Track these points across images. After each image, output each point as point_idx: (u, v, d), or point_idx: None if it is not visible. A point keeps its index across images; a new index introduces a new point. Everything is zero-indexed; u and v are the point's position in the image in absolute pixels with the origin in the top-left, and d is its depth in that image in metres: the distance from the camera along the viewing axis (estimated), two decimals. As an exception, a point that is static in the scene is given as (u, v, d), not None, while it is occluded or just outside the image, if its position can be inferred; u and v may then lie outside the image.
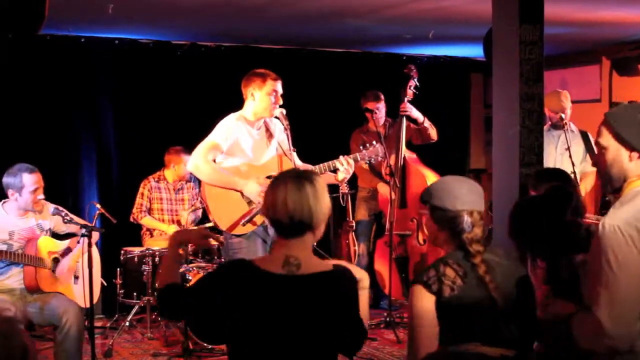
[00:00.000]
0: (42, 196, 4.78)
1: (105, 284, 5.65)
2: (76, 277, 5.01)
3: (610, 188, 2.63)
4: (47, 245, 4.83)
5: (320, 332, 2.59)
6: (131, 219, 6.73)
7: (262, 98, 4.70)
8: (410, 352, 2.73)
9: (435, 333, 2.67)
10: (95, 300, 4.94)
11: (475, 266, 2.69)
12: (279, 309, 2.54)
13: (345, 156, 4.82)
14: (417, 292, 2.69)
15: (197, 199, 6.66)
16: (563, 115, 5.81)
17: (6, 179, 4.72)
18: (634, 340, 2.45)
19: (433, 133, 6.49)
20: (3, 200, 4.83)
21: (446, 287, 2.65)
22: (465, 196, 2.76)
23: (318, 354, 2.60)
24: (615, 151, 2.56)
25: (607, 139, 2.57)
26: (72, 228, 5.00)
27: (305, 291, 2.56)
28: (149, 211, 6.74)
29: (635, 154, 2.53)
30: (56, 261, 4.85)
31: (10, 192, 4.73)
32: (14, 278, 4.76)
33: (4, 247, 4.67)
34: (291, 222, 2.58)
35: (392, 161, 6.19)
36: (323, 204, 2.66)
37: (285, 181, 2.62)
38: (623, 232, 2.41)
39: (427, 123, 6.43)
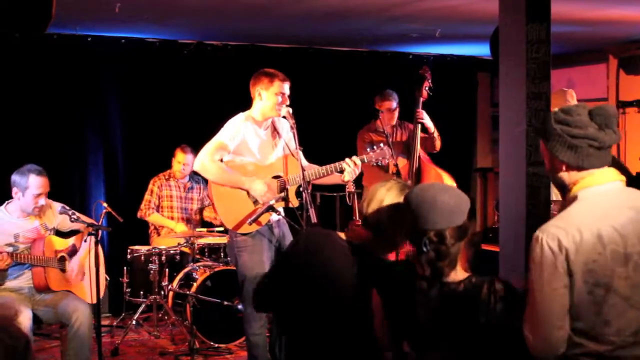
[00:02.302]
0: (43, 201, 4.77)
1: (109, 278, 5.65)
2: (82, 274, 5.02)
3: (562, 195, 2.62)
4: (54, 245, 4.84)
5: None
6: (138, 215, 6.74)
7: (269, 98, 4.70)
8: None
9: None
10: (101, 293, 4.95)
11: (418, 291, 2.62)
12: None
13: (352, 157, 4.81)
14: None
15: (206, 194, 6.68)
16: (570, 114, 5.79)
17: (14, 177, 4.74)
18: (555, 351, 2.45)
19: (438, 144, 6.48)
20: (6, 202, 4.82)
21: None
22: (431, 214, 2.56)
23: None
24: (549, 162, 2.58)
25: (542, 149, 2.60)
26: (76, 225, 5.00)
27: None
28: (158, 209, 6.75)
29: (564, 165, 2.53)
30: (63, 259, 4.86)
31: (14, 190, 4.73)
32: (23, 277, 4.77)
33: (9, 250, 4.68)
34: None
35: (399, 163, 6.17)
36: None
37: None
38: (544, 244, 2.42)
39: (436, 134, 6.42)
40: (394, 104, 6.56)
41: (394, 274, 2.76)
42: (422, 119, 6.27)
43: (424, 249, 2.55)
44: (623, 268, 2.41)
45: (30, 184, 4.70)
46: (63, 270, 4.85)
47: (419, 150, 6.30)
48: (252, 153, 4.73)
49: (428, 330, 2.58)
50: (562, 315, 2.42)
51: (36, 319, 4.68)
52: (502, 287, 2.54)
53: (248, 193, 4.65)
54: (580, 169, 2.50)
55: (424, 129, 6.41)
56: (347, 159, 4.75)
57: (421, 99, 6.28)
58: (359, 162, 4.77)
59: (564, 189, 2.57)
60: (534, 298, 2.45)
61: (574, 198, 2.51)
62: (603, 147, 2.47)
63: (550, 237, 2.42)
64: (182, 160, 6.70)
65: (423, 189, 2.63)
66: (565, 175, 2.54)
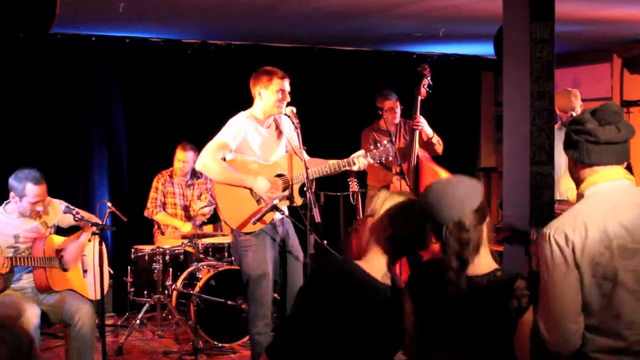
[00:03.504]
0: (40, 208, 4.73)
1: (112, 271, 5.63)
2: (85, 271, 5.01)
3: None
4: (55, 244, 4.82)
5: None
6: (145, 214, 6.75)
7: (269, 96, 4.69)
8: None
9: None
10: (105, 290, 4.94)
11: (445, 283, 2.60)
12: None
13: (357, 154, 4.81)
14: None
15: (208, 193, 6.68)
16: (574, 114, 5.79)
17: (11, 181, 4.69)
18: (572, 345, 2.48)
19: (439, 148, 6.47)
20: (5, 202, 4.79)
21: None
22: (447, 206, 2.58)
23: None
24: (567, 160, 2.65)
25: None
26: (74, 222, 4.97)
27: None
28: (163, 206, 6.75)
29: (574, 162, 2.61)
30: (62, 257, 4.86)
31: (12, 194, 4.72)
32: (25, 279, 4.77)
33: (11, 251, 4.67)
34: None
35: (404, 166, 6.17)
36: None
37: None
38: (552, 239, 2.47)
39: (435, 139, 6.40)
40: (394, 103, 6.57)
41: (426, 273, 2.76)
42: (419, 126, 6.23)
43: (447, 242, 2.57)
44: (630, 262, 2.45)
45: (27, 192, 4.66)
46: (65, 270, 4.85)
47: (417, 149, 6.30)
48: (253, 151, 4.73)
49: (455, 325, 2.58)
50: (577, 309, 2.47)
51: (43, 317, 4.67)
52: (524, 285, 2.54)
53: (251, 192, 4.65)
54: (584, 165, 2.56)
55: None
56: (352, 156, 4.76)
57: (420, 97, 6.27)
58: (363, 161, 4.78)
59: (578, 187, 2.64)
60: (548, 295, 2.48)
61: (581, 195, 2.57)
62: (599, 142, 2.52)
63: (557, 233, 2.47)
64: (181, 158, 6.70)
65: (431, 186, 2.63)
66: (576, 173, 2.61)
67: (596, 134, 2.52)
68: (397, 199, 2.75)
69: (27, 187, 4.64)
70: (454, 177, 2.67)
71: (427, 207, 2.59)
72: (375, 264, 2.72)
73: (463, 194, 2.57)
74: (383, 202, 2.76)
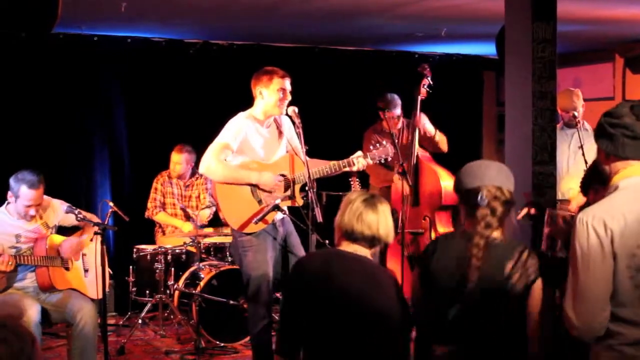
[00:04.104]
0: (33, 212, 4.71)
1: (111, 272, 5.64)
2: (86, 270, 5.02)
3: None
4: (56, 243, 4.83)
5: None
6: (146, 215, 6.76)
7: (270, 95, 4.69)
8: None
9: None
10: (106, 288, 4.94)
11: (469, 245, 2.75)
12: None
13: (356, 155, 4.81)
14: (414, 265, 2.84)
15: (208, 194, 6.68)
16: (576, 114, 5.79)
17: (10, 181, 4.69)
18: (597, 332, 2.50)
19: (444, 146, 6.45)
20: (6, 202, 4.78)
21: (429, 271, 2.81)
22: (481, 174, 2.83)
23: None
24: (598, 153, 2.68)
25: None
26: (76, 222, 4.97)
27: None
28: (163, 206, 6.76)
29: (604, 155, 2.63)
30: (59, 252, 4.86)
31: (9, 193, 4.72)
32: (27, 278, 4.77)
33: (12, 251, 4.67)
34: (373, 239, 3.02)
35: (406, 166, 6.16)
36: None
37: (371, 204, 3.06)
38: (589, 226, 2.47)
39: (438, 137, 6.39)
40: (398, 111, 6.56)
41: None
42: (418, 124, 6.23)
43: (480, 203, 2.77)
44: None
45: (21, 195, 4.65)
46: (67, 269, 4.86)
47: (417, 149, 6.30)
48: (254, 151, 4.72)
49: (477, 293, 2.74)
50: (607, 298, 2.48)
51: (44, 317, 4.68)
52: (536, 259, 2.78)
53: (252, 193, 4.65)
54: (618, 157, 2.57)
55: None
56: (351, 157, 4.76)
57: (420, 97, 6.26)
58: (363, 162, 4.78)
59: (606, 180, 2.65)
60: (578, 280, 2.49)
61: (615, 187, 2.57)
62: (636, 137, 2.53)
63: (595, 220, 2.47)
64: (174, 160, 6.72)
65: (469, 163, 2.92)
66: (607, 166, 2.62)
67: (634, 128, 2.53)
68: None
69: (22, 190, 4.64)
70: (495, 162, 2.97)
71: (467, 171, 2.85)
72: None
73: (506, 171, 2.87)
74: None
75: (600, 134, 2.61)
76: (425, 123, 6.27)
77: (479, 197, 2.77)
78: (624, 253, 2.45)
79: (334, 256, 3.06)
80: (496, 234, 2.79)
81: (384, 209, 3.07)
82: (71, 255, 4.89)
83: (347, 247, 3.04)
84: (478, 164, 2.89)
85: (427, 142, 6.49)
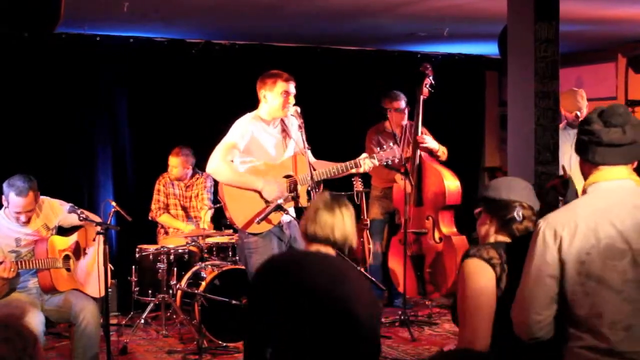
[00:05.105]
0: (23, 218, 4.68)
1: (113, 268, 5.66)
2: (88, 271, 5.01)
3: None
4: (57, 245, 4.81)
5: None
6: (149, 217, 6.76)
7: (274, 98, 4.72)
8: (463, 336, 2.73)
9: (492, 315, 2.69)
10: (108, 287, 4.94)
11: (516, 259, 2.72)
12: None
13: (363, 157, 4.82)
14: (478, 267, 2.71)
15: (208, 191, 6.69)
16: (579, 114, 5.79)
17: (4, 185, 4.67)
18: (533, 334, 2.56)
19: (444, 157, 6.47)
20: (4, 206, 4.75)
21: (501, 280, 2.70)
22: (519, 190, 2.84)
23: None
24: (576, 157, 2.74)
25: None
26: (78, 222, 4.95)
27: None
28: (167, 207, 6.77)
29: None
30: (68, 258, 4.86)
31: (3, 197, 4.71)
32: (30, 280, 4.77)
33: (13, 255, 4.66)
34: (328, 241, 3.00)
35: (408, 166, 6.17)
36: (354, 228, 3.11)
37: (329, 206, 3.06)
38: (540, 232, 2.54)
39: (440, 152, 6.40)
40: (403, 104, 6.57)
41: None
42: (424, 143, 6.25)
43: (517, 218, 2.77)
44: (618, 262, 2.48)
45: (10, 202, 4.63)
46: (68, 270, 4.85)
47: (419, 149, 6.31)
48: (264, 150, 4.74)
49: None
50: (544, 304, 2.53)
51: (46, 321, 4.67)
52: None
53: (260, 193, 4.66)
54: (590, 164, 2.61)
55: (429, 151, 6.38)
56: (358, 159, 4.77)
57: (422, 97, 6.27)
58: (369, 163, 4.79)
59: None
60: (523, 281, 2.58)
61: (584, 192, 2.63)
62: (602, 143, 2.56)
63: (548, 226, 2.53)
64: (171, 163, 6.73)
65: (505, 177, 3.02)
66: (583, 171, 2.68)
67: (600, 135, 2.56)
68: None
69: (10, 197, 4.61)
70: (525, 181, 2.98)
71: (503, 184, 2.86)
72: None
73: (535, 195, 2.89)
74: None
75: (577, 141, 2.67)
76: (428, 142, 6.28)
77: (516, 213, 2.77)
78: (573, 260, 2.49)
79: (298, 257, 3.08)
80: None
81: (343, 212, 3.05)
82: (87, 275, 4.91)
83: (310, 247, 3.04)
84: (516, 180, 2.92)
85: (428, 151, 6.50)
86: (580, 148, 2.64)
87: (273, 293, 2.89)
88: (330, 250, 3.03)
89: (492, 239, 2.83)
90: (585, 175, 2.64)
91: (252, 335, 2.99)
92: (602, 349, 2.48)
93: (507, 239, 2.79)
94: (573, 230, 2.49)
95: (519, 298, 2.58)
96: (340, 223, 3.01)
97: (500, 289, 2.68)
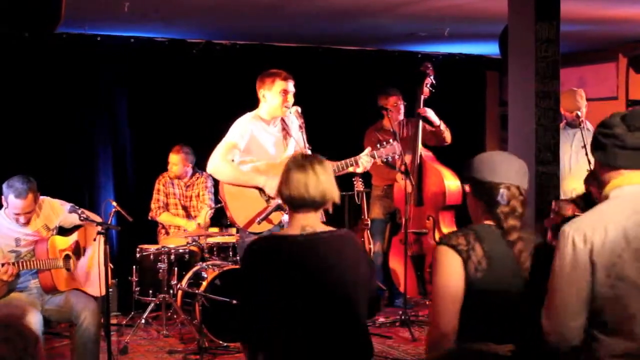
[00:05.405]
0: (23, 220, 4.67)
1: (112, 266, 5.68)
2: (88, 271, 5.01)
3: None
4: (57, 245, 4.80)
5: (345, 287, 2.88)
6: (149, 216, 6.76)
7: (273, 98, 4.73)
8: (431, 319, 2.77)
9: (459, 300, 2.68)
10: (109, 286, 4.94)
11: (511, 244, 2.71)
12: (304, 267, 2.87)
13: (364, 154, 4.82)
14: (445, 254, 2.70)
15: (209, 191, 6.69)
16: (579, 113, 5.78)
17: (3, 186, 4.66)
18: (570, 342, 2.53)
19: (448, 136, 6.46)
20: (4, 206, 4.73)
21: (472, 264, 2.67)
22: (503, 169, 2.78)
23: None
24: (595, 163, 2.70)
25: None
26: (79, 221, 4.95)
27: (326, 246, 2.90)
28: (167, 206, 6.77)
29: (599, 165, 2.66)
30: (68, 258, 4.86)
31: (2, 197, 4.70)
32: (30, 280, 4.77)
33: (12, 255, 4.65)
34: (304, 200, 2.90)
35: (406, 159, 6.17)
36: (333, 183, 3.00)
37: (299, 164, 2.94)
38: (569, 237, 2.50)
39: (442, 126, 6.40)
40: (399, 98, 6.59)
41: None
42: (425, 113, 6.26)
43: (501, 201, 2.72)
44: None
45: (9, 203, 4.62)
46: (69, 270, 4.85)
47: (420, 148, 6.30)
48: (264, 149, 4.74)
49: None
50: (578, 309, 2.50)
51: (46, 321, 4.67)
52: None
53: (261, 193, 4.66)
54: (610, 167, 2.59)
55: (430, 123, 6.39)
56: (358, 157, 4.77)
57: (422, 96, 6.27)
58: (370, 160, 4.79)
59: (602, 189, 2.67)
60: (554, 288, 2.53)
61: (606, 197, 2.59)
62: (626, 147, 2.54)
63: (577, 232, 2.50)
64: (172, 161, 6.74)
65: (490, 153, 2.87)
66: (602, 175, 2.64)
67: (624, 139, 2.54)
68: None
69: (9, 199, 4.60)
70: (514, 157, 2.88)
71: (485, 164, 2.78)
72: (293, 225, 2.96)
73: (523, 168, 2.81)
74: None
75: (594, 145, 2.63)
76: (428, 112, 6.28)
77: (499, 196, 2.73)
78: (604, 264, 2.46)
79: (291, 236, 2.96)
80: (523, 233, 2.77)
81: (316, 168, 2.92)
82: (86, 275, 4.91)
83: (293, 218, 2.95)
84: (500, 158, 2.82)
85: (431, 135, 6.49)
86: (600, 152, 2.61)
87: (264, 269, 2.87)
88: (313, 215, 2.95)
89: (479, 222, 2.81)
90: (605, 179, 2.62)
91: (245, 307, 2.95)
92: (633, 352, 2.45)
93: (492, 223, 2.76)
94: (604, 235, 2.47)
95: (550, 307, 2.55)
96: (314, 179, 2.89)
97: (477, 275, 2.67)
